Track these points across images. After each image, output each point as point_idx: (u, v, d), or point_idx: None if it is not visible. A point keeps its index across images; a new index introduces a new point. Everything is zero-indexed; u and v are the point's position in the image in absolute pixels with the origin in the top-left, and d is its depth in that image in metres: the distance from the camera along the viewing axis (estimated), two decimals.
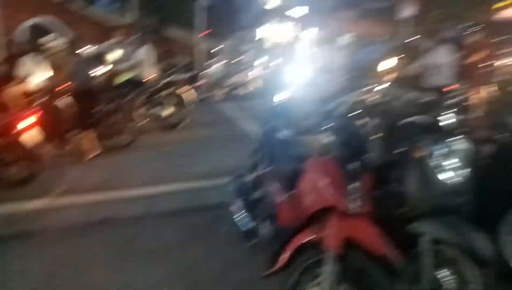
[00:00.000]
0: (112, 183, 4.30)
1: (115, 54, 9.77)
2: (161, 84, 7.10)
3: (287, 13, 18.74)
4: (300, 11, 18.84)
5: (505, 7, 12.70)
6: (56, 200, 3.88)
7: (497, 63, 5.15)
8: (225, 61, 11.66)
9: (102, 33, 15.74)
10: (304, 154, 2.25)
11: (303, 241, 1.88)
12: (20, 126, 4.20)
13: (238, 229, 2.66)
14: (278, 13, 18.90)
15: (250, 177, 2.77)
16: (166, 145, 5.96)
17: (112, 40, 8.84)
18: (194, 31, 15.09)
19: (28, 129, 4.31)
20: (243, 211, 2.61)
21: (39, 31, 15.43)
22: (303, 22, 18.60)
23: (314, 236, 1.86)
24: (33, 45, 8.08)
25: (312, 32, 18.66)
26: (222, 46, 14.42)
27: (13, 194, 3.95)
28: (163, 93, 7.03)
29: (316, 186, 1.95)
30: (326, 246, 1.79)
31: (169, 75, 7.71)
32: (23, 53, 6.73)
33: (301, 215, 1.99)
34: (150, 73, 7.02)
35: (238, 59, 12.37)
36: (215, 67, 11.22)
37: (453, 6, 11.11)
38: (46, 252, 2.93)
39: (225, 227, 2.93)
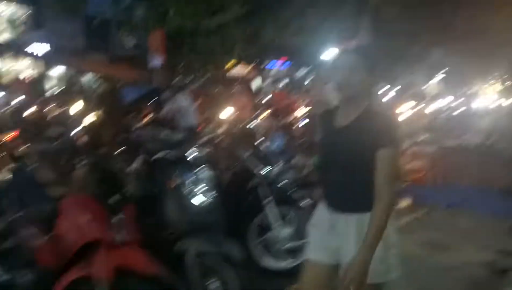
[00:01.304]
0: None
1: None
2: None
3: (27, 48, 16.62)
4: (41, 47, 17.09)
5: (234, 65, 15.88)
6: None
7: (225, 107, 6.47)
8: None
9: None
10: (58, 193, 2.18)
11: (71, 279, 1.80)
12: None
13: None
14: (14, 47, 16.49)
15: None
16: None
17: None
18: None
19: None
20: None
21: None
22: (47, 60, 16.98)
23: (83, 271, 1.82)
24: None
25: (59, 71, 17.28)
26: None
27: None
28: None
29: (77, 223, 1.94)
30: (97, 279, 1.79)
31: None
32: None
33: (65, 255, 1.90)
34: None
35: None
36: None
37: (193, 61, 12.95)
38: None
39: None
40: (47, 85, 13.64)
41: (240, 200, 3.19)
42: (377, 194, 1.53)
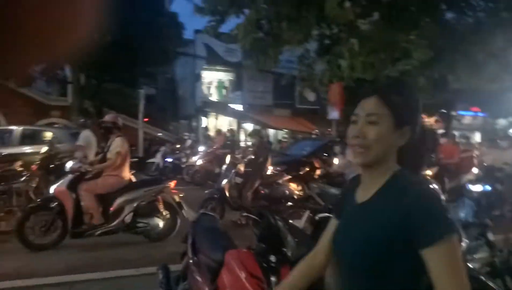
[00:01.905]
0: (30, 270, 3.97)
1: (50, 134, 9.43)
2: None
3: (230, 105, 19.93)
4: (239, 106, 20.21)
5: None
6: None
7: None
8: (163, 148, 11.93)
9: (40, 112, 15.41)
10: (226, 245, 2.31)
11: None
12: None
13: None
14: (221, 105, 20.02)
15: (179, 267, 2.72)
16: None
17: (50, 120, 8.54)
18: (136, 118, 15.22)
19: None
20: None
21: None
22: (241, 116, 19.84)
23: None
24: None
25: (249, 126, 19.92)
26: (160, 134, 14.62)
27: None
28: None
29: (234, 280, 1.99)
30: None
31: None
32: None
33: None
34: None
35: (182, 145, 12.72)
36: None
37: None
38: None
39: None
40: (238, 139, 15.82)
41: None
42: None
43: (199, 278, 2.28)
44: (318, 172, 6.34)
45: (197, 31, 19.31)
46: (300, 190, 5.84)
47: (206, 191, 6.45)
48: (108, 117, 5.18)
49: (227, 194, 5.94)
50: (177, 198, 5.08)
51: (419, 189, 1.00)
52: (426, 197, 0.97)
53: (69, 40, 0.39)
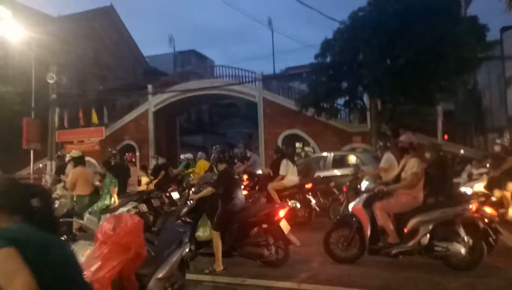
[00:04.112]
0: (351, 279, 4.41)
1: (353, 159, 10.47)
2: None
3: None
4: None
5: None
6: (301, 285, 4.31)
7: None
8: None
9: (343, 139, 17.50)
10: None
11: None
12: (281, 214, 5.00)
13: None
14: None
15: None
16: None
17: (352, 145, 9.54)
18: (433, 136, 14.47)
19: (284, 218, 5.07)
20: None
21: (293, 139, 18.53)
22: None
23: None
24: (289, 150, 9.63)
25: None
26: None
27: (269, 272, 4.66)
28: None
29: None
30: None
31: None
32: (283, 156, 8.29)
33: None
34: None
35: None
36: None
37: None
38: None
39: None
40: None
41: None
42: None
43: None
44: None
45: (504, 29, 16.66)
46: None
47: None
48: (403, 138, 5.23)
49: None
50: (481, 224, 4.42)
51: None
52: None
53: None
